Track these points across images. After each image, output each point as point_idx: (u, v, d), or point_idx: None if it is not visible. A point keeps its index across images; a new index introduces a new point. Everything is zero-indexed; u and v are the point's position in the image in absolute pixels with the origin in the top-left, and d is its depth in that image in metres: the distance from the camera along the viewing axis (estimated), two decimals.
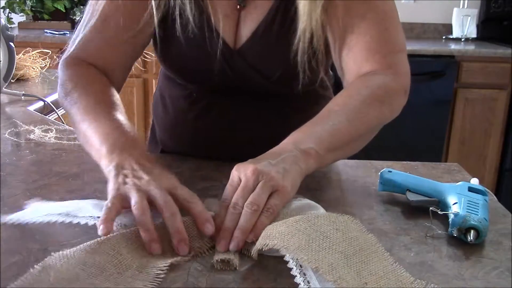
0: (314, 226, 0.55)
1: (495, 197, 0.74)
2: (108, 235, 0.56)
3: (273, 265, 0.55)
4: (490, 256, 0.59)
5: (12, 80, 1.48)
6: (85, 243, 0.54)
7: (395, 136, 2.54)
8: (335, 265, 0.50)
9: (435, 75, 2.63)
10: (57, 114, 1.37)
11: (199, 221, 0.59)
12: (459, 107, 2.72)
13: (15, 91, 1.36)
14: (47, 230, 0.62)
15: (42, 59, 1.64)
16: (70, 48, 0.86)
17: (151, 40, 0.89)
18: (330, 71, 0.99)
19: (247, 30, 0.84)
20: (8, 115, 1.17)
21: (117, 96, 0.81)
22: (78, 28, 0.86)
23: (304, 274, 0.51)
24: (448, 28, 3.16)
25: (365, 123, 0.73)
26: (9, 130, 1.04)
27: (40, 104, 1.32)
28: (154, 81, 2.71)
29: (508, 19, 3.06)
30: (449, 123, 2.74)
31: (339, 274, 0.49)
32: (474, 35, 3.06)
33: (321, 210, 0.64)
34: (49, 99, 1.36)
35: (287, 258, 0.53)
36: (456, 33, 3.08)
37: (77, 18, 2.97)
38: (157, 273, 0.52)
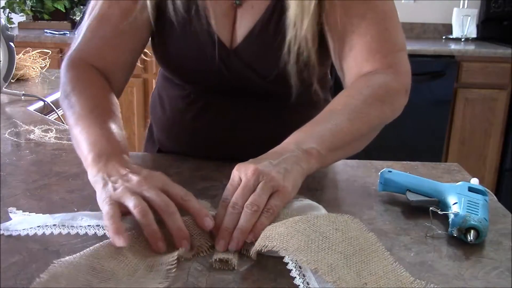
0: (314, 226, 0.55)
1: (495, 197, 0.74)
2: (108, 241, 0.56)
3: (273, 265, 0.55)
4: (490, 256, 0.59)
5: (12, 80, 1.48)
6: (87, 249, 0.54)
7: (395, 136, 2.54)
8: (335, 266, 0.50)
9: (435, 75, 2.63)
10: (57, 114, 1.37)
11: (197, 217, 0.59)
12: (459, 107, 2.72)
13: (15, 91, 1.36)
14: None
15: (42, 59, 1.64)
16: (72, 48, 0.86)
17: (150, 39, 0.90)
18: (329, 75, 1.00)
19: (243, 29, 0.83)
20: (8, 115, 1.17)
21: (113, 101, 0.81)
22: (79, 28, 0.87)
23: (304, 276, 0.51)
24: (448, 28, 3.16)
25: (366, 122, 0.73)
26: (9, 130, 1.04)
27: (40, 104, 1.32)
28: (154, 81, 2.71)
29: (508, 19, 3.06)
30: (449, 123, 2.74)
31: (338, 274, 0.49)
32: (474, 35, 3.06)
33: (323, 210, 0.64)
34: (49, 99, 1.36)
35: (286, 259, 0.53)
36: (456, 33, 3.08)
37: (77, 18, 2.97)
38: (168, 269, 0.52)
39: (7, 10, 2.84)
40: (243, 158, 0.66)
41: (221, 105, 0.90)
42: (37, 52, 1.64)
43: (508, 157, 2.77)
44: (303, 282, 0.50)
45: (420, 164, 0.89)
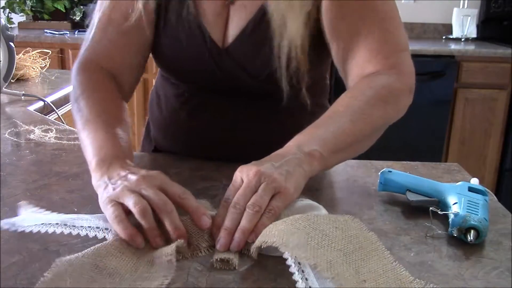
0: (314, 224, 0.55)
1: (495, 197, 0.74)
2: (108, 241, 0.57)
3: (273, 265, 0.55)
4: (490, 256, 0.59)
5: (12, 80, 1.48)
6: (88, 249, 0.54)
7: (395, 136, 2.53)
8: (334, 262, 0.50)
9: (435, 75, 2.63)
10: (57, 114, 1.37)
11: (195, 216, 0.59)
12: (459, 107, 2.72)
13: (15, 91, 1.36)
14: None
15: (42, 59, 1.64)
16: (82, 51, 0.88)
17: None
18: (327, 79, 0.99)
19: (235, 29, 0.83)
20: (8, 115, 1.17)
21: (121, 104, 0.82)
22: (88, 30, 0.89)
23: (303, 271, 0.51)
24: (448, 28, 3.16)
25: (369, 123, 0.73)
26: (9, 130, 1.04)
27: (40, 104, 1.32)
28: (154, 81, 2.70)
29: (508, 19, 3.07)
30: (449, 123, 2.74)
31: (337, 271, 0.49)
32: (474, 35, 3.06)
33: (323, 210, 0.64)
34: (49, 99, 1.36)
35: (286, 255, 0.53)
36: (456, 33, 3.08)
37: (77, 18, 2.97)
38: (169, 260, 0.53)
39: (7, 10, 2.84)
40: (240, 159, 0.66)
41: (216, 105, 0.90)
42: (37, 52, 1.64)
43: (508, 157, 2.77)
44: (301, 278, 0.51)
45: (420, 164, 0.89)
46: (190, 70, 0.87)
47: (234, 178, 0.64)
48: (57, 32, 2.80)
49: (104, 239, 0.59)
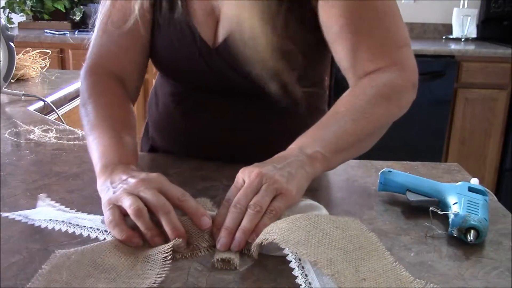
0: (314, 223, 0.55)
1: (495, 197, 0.74)
2: (107, 240, 0.58)
3: (273, 265, 0.55)
4: (490, 256, 0.59)
5: (12, 80, 1.48)
6: (87, 246, 0.55)
7: (395, 136, 2.52)
8: (334, 260, 0.50)
9: (435, 75, 2.63)
10: (57, 114, 1.37)
11: (194, 217, 0.59)
12: (459, 107, 2.72)
13: (15, 91, 1.36)
14: (47, 230, 0.62)
15: (42, 59, 1.64)
16: (88, 55, 0.89)
17: None
18: (326, 80, 0.99)
19: (226, 28, 0.83)
20: (8, 115, 1.17)
21: (127, 108, 0.84)
22: (93, 32, 0.89)
23: (303, 268, 0.52)
24: (448, 28, 3.16)
25: (371, 122, 0.73)
26: (9, 130, 1.04)
27: (40, 104, 1.32)
28: (154, 81, 2.70)
29: (508, 19, 3.07)
30: (449, 123, 2.74)
31: (337, 268, 0.49)
32: (474, 35, 3.06)
33: (323, 210, 0.64)
34: (49, 99, 1.36)
35: (286, 251, 0.53)
36: (456, 33, 3.08)
37: (77, 18, 2.97)
38: (164, 257, 0.54)
39: (7, 10, 2.84)
40: (235, 159, 0.66)
41: (212, 105, 0.90)
42: (37, 52, 1.64)
43: (508, 157, 2.77)
44: (301, 274, 0.51)
45: (420, 164, 0.89)
46: (183, 70, 0.87)
47: (236, 179, 0.64)
48: (57, 32, 2.80)
49: (104, 240, 0.59)
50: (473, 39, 3.06)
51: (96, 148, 0.73)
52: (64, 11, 2.93)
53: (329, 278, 0.49)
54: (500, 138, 2.76)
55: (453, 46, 2.79)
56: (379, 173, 0.75)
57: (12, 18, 2.88)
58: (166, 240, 0.57)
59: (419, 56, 2.58)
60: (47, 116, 1.27)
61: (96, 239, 0.60)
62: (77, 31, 2.90)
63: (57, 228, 0.62)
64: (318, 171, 0.67)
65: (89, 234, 0.61)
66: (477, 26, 3.09)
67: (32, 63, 1.60)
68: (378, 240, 0.56)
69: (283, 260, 0.54)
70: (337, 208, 0.71)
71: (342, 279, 0.48)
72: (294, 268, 0.52)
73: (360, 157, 0.80)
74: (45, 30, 2.87)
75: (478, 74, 2.67)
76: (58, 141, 0.98)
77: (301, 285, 0.50)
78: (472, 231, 0.60)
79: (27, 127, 1.06)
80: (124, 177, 0.64)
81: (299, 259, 0.52)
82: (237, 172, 0.65)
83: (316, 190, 0.76)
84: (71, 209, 0.68)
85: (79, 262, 0.52)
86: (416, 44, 2.74)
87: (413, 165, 0.88)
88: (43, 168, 0.84)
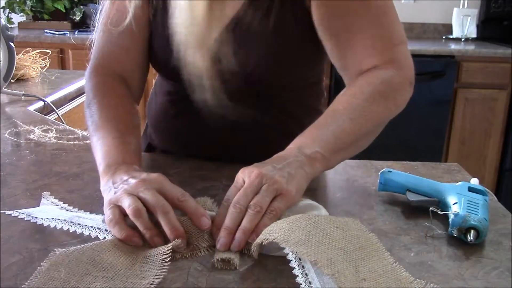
0: (315, 223, 0.55)
1: (495, 197, 0.74)
2: (107, 239, 0.58)
3: (273, 265, 0.55)
4: (490, 256, 0.59)
5: (12, 80, 1.48)
6: (86, 244, 0.56)
7: (395, 136, 2.54)
8: (334, 260, 0.50)
9: (435, 75, 2.63)
10: (57, 114, 1.37)
11: (194, 217, 0.59)
12: (459, 107, 2.72)
13: (15, 91, 1.36)
14: (47, 230, 0.62)
15: (42, 59, 1.64)
16: (92, 55, 0.89)
17: None
18: (323, 81, 0.99)
19: (219, 26, 0.83)
20: (8, 115, 1.17)
21: (131, 109, 0.85)
22: (95, 33, 0.90)
23: (303, 267, 0.52)
24: (448, 28, 3.16)
25: (369, 120, 0.73)
26: (9, 130, 1.04)
27: (40, 104, 1.32)
28: (153, 81, 2.70)
29: (508, 19, 3.06)
30: (449, 123, 2.74)
31: (337, 268, 0.49)
32: (474, 35, 3.06)
33: (323, 210, 0.64)
34: (49, 99, 1.36)
35: (287, 251, 0.53)
36: (456, 33, 3.08)
37: (77, 18, 2.97)
38: (163, 259, 0.54)
39: (7, 10, 2.84)
40: (235, 159, 0.66)
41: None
42: (37, 52, 1.64)
43: (508, 157, 2.77)
44: (301, 273, 0.51)
45: (420, 164, 0.89)
46: (175, 68, 0.87)
47: (235, 179, 0.64)
48: (57, 32, 2.80)
49: (104, 239, 0.60)
50: (473, 39, 3.06)
51: (100, 149, 0.73)
52: (64, 11, 2.93)
53: (329, 277, 0.49)
54: (500, 138, 2.76)
55: (453, 46, 2.79)
56: (379, 173, 0.75)
57: (12, 18, 2.88)
58: (165, 240, 0.58)
59: (419, 56, 2.60)
60: (47, 116, 1.27)
61: (97, 238, 0.60)
62: (77, 31, 2.89)
63: (59, 226, 0.62)
64: (318, 171, 0.68)
65: (89, 234, 0.61)
66: (477, 26, 3.09)
67: (32, 63, 1.60)
68: (378, 240, 0.56)
69: (283, 260, 0.54)
70: (337, 208, 0.71)
71: (342, 279, 0.48)
72: (294, 268, 0.52)
73: (360, 157, 0.80)
74: (45, 30, 2.87)
75: (478, 74, 2.67)
76: (58, 141, 0.98)
77: (301, 284, 0.50)
78: (472, 231, 0.60)
79: (27, 127, 1.06)
80: (125, 177, 0.64)
81: (299, 259, 0.52)
82: (236, 172, 0.65)
83: (316, 190, 0.76)
84: (73, 208, 0.68)
85: (78, 260, 0.52)
86: (416, 44, 2.74)
87: (413, 165, 0.88)
88: (43, 168, 0.84)
